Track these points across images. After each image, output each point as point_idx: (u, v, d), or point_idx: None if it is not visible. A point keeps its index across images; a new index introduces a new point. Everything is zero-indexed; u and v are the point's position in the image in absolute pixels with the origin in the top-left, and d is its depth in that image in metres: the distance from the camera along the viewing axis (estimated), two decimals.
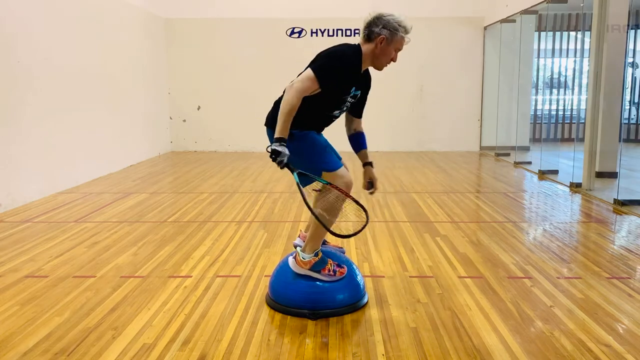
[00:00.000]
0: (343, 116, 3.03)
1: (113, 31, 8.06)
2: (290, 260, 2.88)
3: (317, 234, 2.81)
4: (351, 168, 3.15)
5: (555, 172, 7.59)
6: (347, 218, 2.79)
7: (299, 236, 3.15)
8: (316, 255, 2.81)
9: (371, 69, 2.91)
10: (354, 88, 2.80)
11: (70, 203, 5.69)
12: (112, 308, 2.91)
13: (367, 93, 2.95)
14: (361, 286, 2.96)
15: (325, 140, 2.99)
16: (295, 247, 3.21)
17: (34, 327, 2.67)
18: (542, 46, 11.82)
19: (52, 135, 6.23)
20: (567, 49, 12.38)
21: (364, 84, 2.89)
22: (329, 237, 3.14)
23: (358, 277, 2.98)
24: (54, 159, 6.28)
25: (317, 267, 2.81)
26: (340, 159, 2.94)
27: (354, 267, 3.02)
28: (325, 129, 2.99)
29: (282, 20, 10.29)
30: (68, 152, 6.59)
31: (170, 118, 10.75)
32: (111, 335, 2.58)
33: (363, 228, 2.58)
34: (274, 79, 10.23)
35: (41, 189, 5.99)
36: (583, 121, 6.98)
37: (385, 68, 2.84)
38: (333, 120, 2.94)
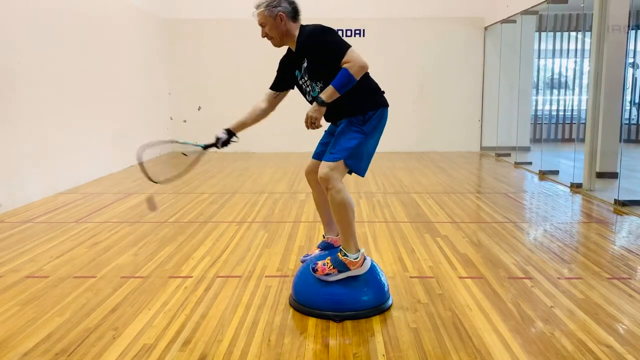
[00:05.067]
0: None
1: (113, 31, 8.07)
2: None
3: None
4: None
5: (556, 172, 7.59)
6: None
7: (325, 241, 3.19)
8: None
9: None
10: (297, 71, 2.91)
11: (71, 203, 5.70)
12: (112, 308, 2.91)
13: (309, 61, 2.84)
14: (386, 287, 2.94)
15: (327, 128, 3.03)
16: (303, 261, 3.21)
17: (34, 328, 2.67)
18: (543, 47, 11.83)
19: (53, 136, 6.23)
20: (568, 50, 12.38)
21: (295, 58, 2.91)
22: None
23: (382, 277, 2.96)
24: (55, 159, 6.28)
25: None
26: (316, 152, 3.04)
27: (378, 268, 2.99)
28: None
29: None
30: (68, 152, 6.60)
31: (171, 118, 10.75)
32: (111, 335, 2.58)
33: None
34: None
35: (42, 190, 5.99)
36: (583, 121, 6.98)
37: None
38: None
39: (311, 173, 3.05)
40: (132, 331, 2.63)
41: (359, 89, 2.78)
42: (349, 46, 2.68)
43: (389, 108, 2.90)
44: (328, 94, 2.66)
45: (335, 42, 2.70)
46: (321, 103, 2.67)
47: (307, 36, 2.79)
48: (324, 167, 2.74)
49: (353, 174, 2.90)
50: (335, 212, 2.79)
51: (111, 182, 7.07)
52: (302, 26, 2.87)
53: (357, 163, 2.81)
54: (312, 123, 2.71)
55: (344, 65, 2.62)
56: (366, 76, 2.84)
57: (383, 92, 2.92)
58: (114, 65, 8.04)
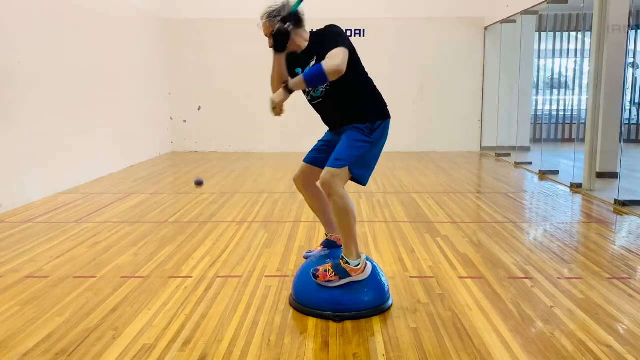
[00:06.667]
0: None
1: (114, 31, 8.07)
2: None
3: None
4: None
5: (556, 172, 7.59)
6: None
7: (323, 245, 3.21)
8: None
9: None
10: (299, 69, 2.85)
11: (71, 203, 5.70)
12: (112, 308, 2.91)
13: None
14: (386, 287, 2.94)
15: (324, 136, 3.03)
16: (306, 257, 3.22)
17: (34, 328, 2.67)
18: (543, 46, 11.82)
19: (53, 136, 6.23)
20: (568, 50, 12.38)
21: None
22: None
23: (382, 277, 2.96)
24: (55, 159, 6.28)
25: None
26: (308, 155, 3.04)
27: (378, 268, 2.99)
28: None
29: None
30: (68, 152, 6.60)
31: (171, 118, 10.75)
32: (111, 335, 2.58)
33: None
34: None
35: (42, 190, 5.99)
36: (583, 121, 6.98)
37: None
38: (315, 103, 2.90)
39: (300, 177, 3.03)
40: (132, 331, 2.63)
41: (370, 97, 2.82)
42: (346, 46, 2.62)
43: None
44: (296, 82, 2.64)
45: (341, 38, 2.66)
46: (285, 88, 2.65)
47: (326, 30, 2.76)
48: (327, 173, 2.71)
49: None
50: (337, 218, 2.78)
51: (111, 182, 7.07)
52: (312, 31, 2.86)
53: (362, 171, 2.80)
54: (273, 108, 2.68)
55: (322, 62, 2.59)
56: (375, 87, 2.88)
57: (386, 105, 2.93)
58: (114, 65, 8.04)
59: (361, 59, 2.95)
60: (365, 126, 2.77)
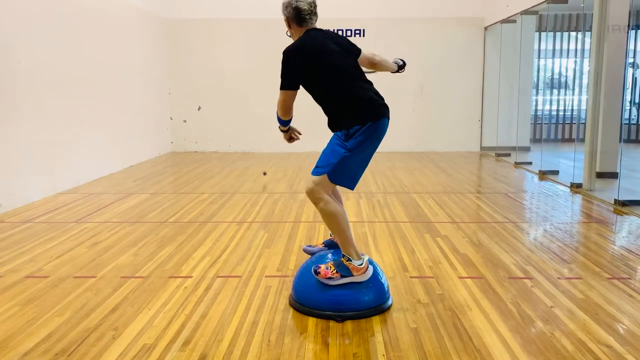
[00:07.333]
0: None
1: (113, 32, 8.07)
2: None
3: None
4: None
5: (556, 172, 7.59)
6: None
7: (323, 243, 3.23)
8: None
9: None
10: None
11: (71, 203, 5.70)
12: (112, 308, 2.91)
13: None
14: (386, 287, 2.94)
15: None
16: (305, 251, 3.23)
17: (34, 328, 2.68)
18: (543, 46, 11.83)
19: (53, 136, 6.23)
20: (568, 50, 12.38)
21: None
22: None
23: (382, 277, 2.96)
24: (55, 159, 6.28)
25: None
26: None
27: (378, 268, 3.00)
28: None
29: (283, 21, 10.28)
30: (68, 152, 6.60)
31: (171, 118, 10.75)
32: (111, 335, 2.59)
33: None
34: (274, 80, 10.26)
35: (42, 190, 5.99)
36: (583, 121, 6.98)
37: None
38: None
39: None
40: (132, 331, 2.63)
41: (346, 103, 2.76)
42: (284, 87, 2.81)
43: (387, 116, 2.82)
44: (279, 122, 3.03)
45: (281, 75, 2.83)
46: (280, 129, 3.08)
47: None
48: (309, 181, 2.77)
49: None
50: (327, 223, 2.82)
51: (111, 182, 7.07)
52: (305, 32, 2.91)
53: (342, 178, 2.78)
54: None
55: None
56: (355, 89, 2.78)
57: (381, 104, 2.80)
58: (113, 65, 8.03)
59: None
60: (342, 133, 2.76)
